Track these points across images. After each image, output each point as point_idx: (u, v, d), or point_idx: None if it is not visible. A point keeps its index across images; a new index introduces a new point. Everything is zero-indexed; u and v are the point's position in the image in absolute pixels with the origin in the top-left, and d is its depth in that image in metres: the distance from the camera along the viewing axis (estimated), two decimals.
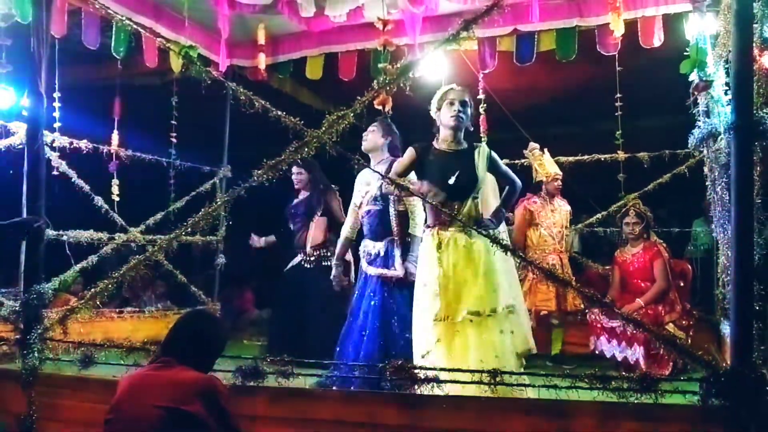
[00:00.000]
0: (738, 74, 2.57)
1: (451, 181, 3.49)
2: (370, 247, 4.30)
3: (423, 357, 3.28)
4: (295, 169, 5.41)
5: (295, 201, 5.54)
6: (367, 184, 4.42)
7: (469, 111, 3.72)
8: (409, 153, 3.70)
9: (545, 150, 5.69)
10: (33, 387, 3.39)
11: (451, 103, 3.65)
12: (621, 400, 2.57)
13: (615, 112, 5.82)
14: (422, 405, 2.83)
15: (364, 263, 4.30)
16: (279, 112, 3.14)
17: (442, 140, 3.72)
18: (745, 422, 2.34)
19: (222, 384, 2.50)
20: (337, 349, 4.11)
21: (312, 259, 5.33)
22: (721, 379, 2.38)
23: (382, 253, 4.22)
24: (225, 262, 6.73)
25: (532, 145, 5.74)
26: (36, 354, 3.38)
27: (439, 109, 3.72)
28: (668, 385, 2.58)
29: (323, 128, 3.03)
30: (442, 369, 2.89)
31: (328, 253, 5.22)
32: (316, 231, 5.37)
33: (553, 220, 5.55)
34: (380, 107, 3.58)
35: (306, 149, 3.00)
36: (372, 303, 4.10)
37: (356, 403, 2.97)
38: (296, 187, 5.52)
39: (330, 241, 5.30)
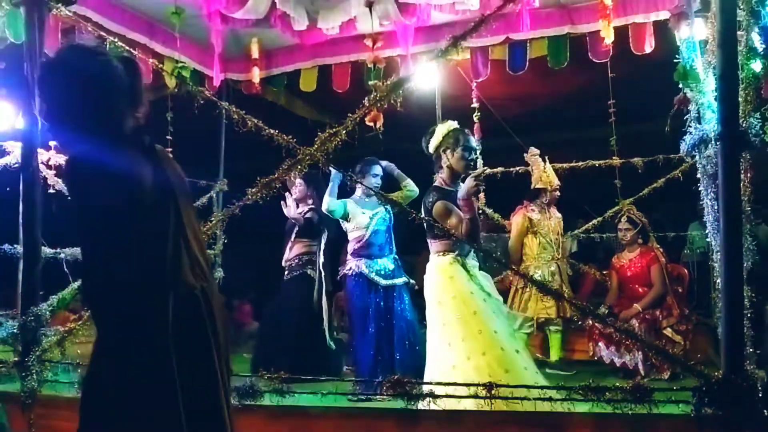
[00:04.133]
0: (723, 85, 2.60)
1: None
2: (382, 264, 4.71)
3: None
4: (297, 180, 5.44)
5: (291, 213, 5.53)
6: (362, 213, 4.80)
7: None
8: (446, 206, 3.56)
9: (546, 159, 5.70)
10: (32, 409, 3.40)
11: (468, 150, 3.65)
12: (616, 410, 2.59)
13: (608, 117, 5.86)
14: (419, 419, 2.85)
15: (380, 280, 4.64)
16: (272, 131, 3.16)
17: (449, 179, 3.70)
18: (738, 430, 2.36)
19: None
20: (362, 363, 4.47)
21: (286, 272, 5.44)
22: (714, 388, 2.40)
23: (392, 266, 4.74)
24: (223, 276, 6.73)
25: (533, 150, 5.74)
26: (35, 376, 3.40)
27: (450, 149, 3.66)
28: (662, 394, 2.60)
29: (316, 145, 3.05)
30: (438, 383, 2.92)
31: (300, 263, 5.40)
32: (294, 247, 5.48)
33: (549, 227, 5.57)
34: (372, 124, 3.60)
35: (299, 166, 3.03)
36: (400, 309, 4.61)
37: (354, 419, 2.99)
38: (294, 197, 5.51)
39: (306, 255, 5.44)
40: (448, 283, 3.48)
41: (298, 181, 5.46)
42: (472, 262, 3.64)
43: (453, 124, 3.75)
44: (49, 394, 3.50)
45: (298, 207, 5.54)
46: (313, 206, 5.44)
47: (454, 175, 3.67)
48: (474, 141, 3.78)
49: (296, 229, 5.46)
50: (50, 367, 3.51)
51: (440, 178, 3.73)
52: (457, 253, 3.53)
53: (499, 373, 3.07)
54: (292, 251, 5.48)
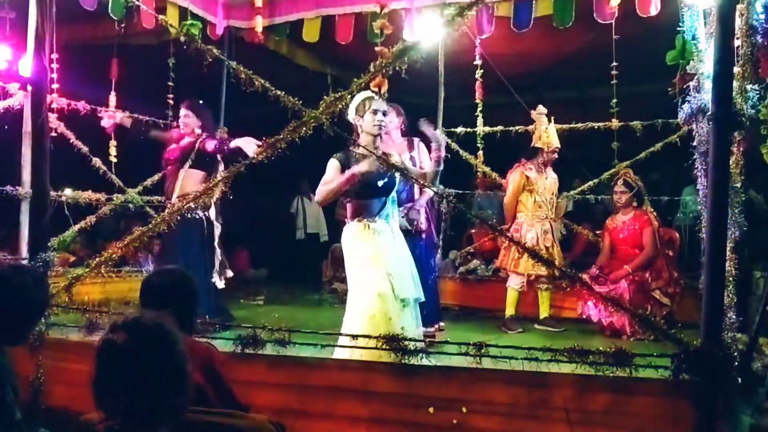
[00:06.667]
0: (718, 65, 2.65)
1: (381, 183, 3.75)
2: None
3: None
4: (182, 111, 5.20)
5: (173, 146, 5.19)
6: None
7: (387, 119, 3.94)
8: (333, 164, 3.77)
9: (551, 119, 5.72)
10: (40, 351, 3.53)
11: (374, 113, 3.79)
12: (598, 373, 2.73)
13: (611, 78, 5.87)
14: (412, 374, 2.99)
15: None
16: (278, 92, 3.21)
17: (366, 143, 3.82)
18: (713, 397, 2.50)
19: (218, 352, 2.65)
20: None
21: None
22: (691, 356, 2.53)
23: None
24: (221, 223, 6.82)
25: (541, 108, 5.75)
26: (43, 320, 3.50)
27: (361, 116, 3.81)
28: (642, 359, 2.73)
29: (321, 108, 3.11)
30: (431, 341, 3.07)
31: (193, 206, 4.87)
32: (185, 181, 5.02)
33: (545, 187, 5.64)
34: (376, 89, 3.64)
35: (303, 129, 3.08)
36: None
37: (350, 371, 3.13)
38: (182, 131, 5.22)
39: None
40: (352, 247, 3.77)
41: (183, 111, 5.18)
42: (381, 223, 3.80)
43: (363, 94, 3.87)
44: (56, 336, 3.63)
45: (181, 140, 5.19)
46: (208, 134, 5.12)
47: (370, 137, 3.84)
48: (382, 104, 3.88)
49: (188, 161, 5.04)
50: (58, 311, 3.62)
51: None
52: (359, 219, 3.78)
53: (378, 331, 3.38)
54: (182, 187, 4.97)
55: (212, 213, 5.14)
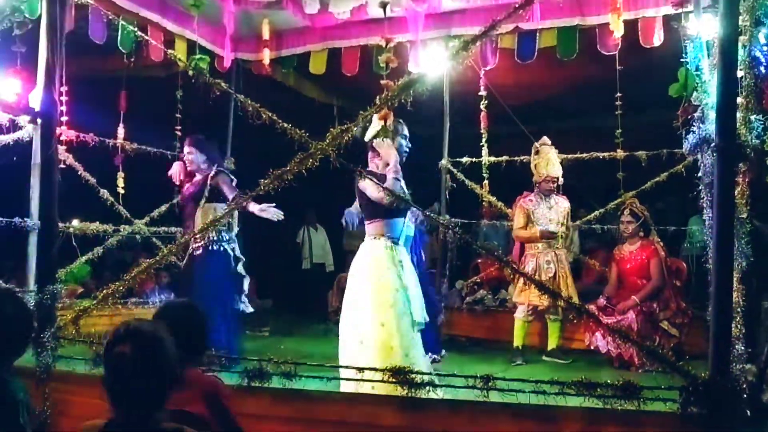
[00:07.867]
0: (722, 96, 2.67)
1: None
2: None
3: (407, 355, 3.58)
4: (186, 149, 5.23)
5: (187, 186, 5.27)
6: None
7: None
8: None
9: (552, 148, 5.71)
10: (47, 384, 3.52)
11: (405, 138, 3.91)
12: (606, 406, 2.70)
13: (615, 108, 5.90)
14: (419, 407, 2.96)
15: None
16: (285, 124, 3.24)
17: (385, 165, 3.87)
18: (722, 430, 2.47)
19: (224, 385, 2.65)
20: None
21: (198, 245, 4.97)
22: (699, 389, 2.51)
23: None
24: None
25: (544, 140, 5.77)
26: (50, 352, 3.51)
27: (389, 137, 3.85)
28: (650, 392, 2.71)
29: (327, 141, 3.14)
30: (438, 374, 3.05)
31: (216, 238, 4.98)
32: (205, 216, 4.93)
33: (549, 217, 5.59)
34: (382, 121, 3.69)
35: (310, 160, 3.11)
36: None
37: (357, 405, 3.10)
38: (189, 169, 5.27)
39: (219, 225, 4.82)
40: (378, 266, 3.76)
41: (187, 149, 5.21)
42: (401, 247, 3.88)
43: (390, 114, 3.88)
44: (63, 369, 3.62)
45: (193, 177, 5.25)
46: (222, 168, 5.17)
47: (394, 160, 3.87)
48: (406, 129, 3.95)
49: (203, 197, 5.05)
50: (65, 344, 3.62)
51: (374, 165, 3.96)
52: (388, 236, 3.81)
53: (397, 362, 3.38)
54: (201, 223, 4.86)
55: (236, 245, 5.19)
